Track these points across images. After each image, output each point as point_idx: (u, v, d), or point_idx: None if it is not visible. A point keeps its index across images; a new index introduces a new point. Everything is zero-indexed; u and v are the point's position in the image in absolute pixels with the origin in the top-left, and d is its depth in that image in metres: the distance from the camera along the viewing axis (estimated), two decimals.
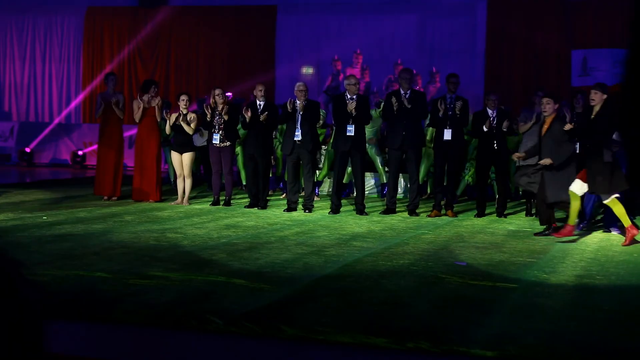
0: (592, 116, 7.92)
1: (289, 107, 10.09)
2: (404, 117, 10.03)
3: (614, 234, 8.69)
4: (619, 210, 7.73)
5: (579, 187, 7.89)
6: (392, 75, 15.23)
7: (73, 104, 19.48)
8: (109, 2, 19.06)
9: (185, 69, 18.64)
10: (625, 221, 7.80)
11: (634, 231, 7.82)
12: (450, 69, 16.26)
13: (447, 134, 10.05)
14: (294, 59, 17.94)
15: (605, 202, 7.84)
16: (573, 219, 7.97)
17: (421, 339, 4.21)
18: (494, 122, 9.97)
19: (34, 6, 19.31)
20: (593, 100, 7.90)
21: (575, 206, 7.93)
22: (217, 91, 10.62)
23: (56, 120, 19.14)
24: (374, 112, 11.57)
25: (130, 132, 15.36)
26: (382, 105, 10.98)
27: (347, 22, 17.66)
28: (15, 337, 1.02)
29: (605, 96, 7.85)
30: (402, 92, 10.19)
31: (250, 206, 10.41)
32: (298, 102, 10.15)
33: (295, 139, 10.07)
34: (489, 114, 10.05)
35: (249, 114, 10.22)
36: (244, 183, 12.12)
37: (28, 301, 1.06)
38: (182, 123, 10.49)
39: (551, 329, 4.50)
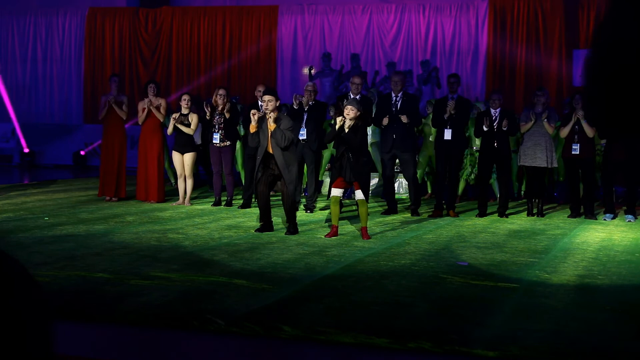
0: None
1: (294, 103, 10.13)
2: (393, 121, 9.98)
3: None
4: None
5: (338, 192, 8.04)
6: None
7: (75, 105, 19.48)
8: (110, 2, 19.07)
9: (186, 69, 18.64)
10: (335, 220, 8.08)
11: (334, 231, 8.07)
12: (451, 69, 16.31)
13: (447, 134, 10.04)
14: (295, 59, 17.95)
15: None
16: (336, 220, 8.10)
17: (423, 339, 4.21)
18: (496, 122, 9.97)
19: (35, 7, 19.33)
20: None
21: (335, 210, 8.06)
22: (221, 91, 10.62)
23: (58, 121, 19.15)
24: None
25: (129, 123, 15.35)
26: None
27: (348, 22, 17.67)
28: (21, 339, 1.02)
29: None
30: (393, 95, 10.13)
31: (243, 207, 10.38)
32: (308, 101, 10.16)
33: (300, 137, 10.05)
34: (492, 113, 10.05)
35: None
36: (243, 184, 12.09)
37: (33, 302, 1.06)
38: (179, 125, 10.47)
39: (553, 329, 4.50)
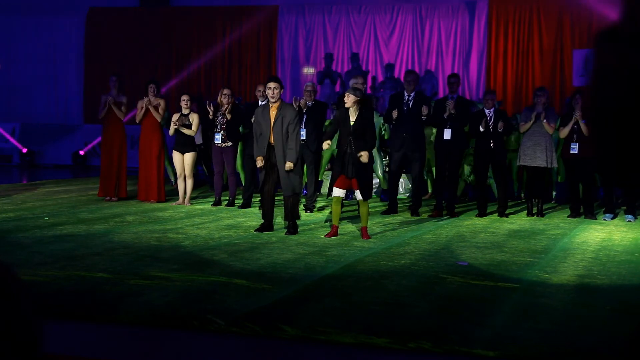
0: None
1: (294, 105, 10.14)
2: (405, 120, 10.01)
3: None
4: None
5: (340, 192, 7.99)
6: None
7: (75, 105, 19.48)
8: (111, 2, 19.07)
9: (186, 69, 18.64)
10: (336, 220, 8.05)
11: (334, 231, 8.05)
12: (450, 69, 16.32)
13: (447, 134, 10.05)
14: (295, 59, 17.96)
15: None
16: (336, 219, 8.07)
17: (423, 339, 4.21)
18: (491, 122, 9.98)
19: (36, 7, 19.32)
20: None
21: (336, 209, 8.03)
22: (226, 91, 10.63)
23: (58, 121, 19.15)
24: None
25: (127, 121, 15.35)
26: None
27: (347, 22, 17.68)
28: (7, 338, 1.01)
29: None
30: (405, 94, 10.16)
31: (243, 206, 10.39)
32: (307, 101, 10.17)
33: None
34: (486, 113, 10.06)
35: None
36: (243, 184, 12.09)
37: (20, 302, 1.05)
38: (181, 129, 10.48)
39: (552, 329, 4.50)
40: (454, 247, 7.59)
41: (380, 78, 16.47)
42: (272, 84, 8.13)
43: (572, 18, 16.17)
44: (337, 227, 8.10)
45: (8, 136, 18.15)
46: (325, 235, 8.02)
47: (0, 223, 8.46)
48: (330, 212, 10.01)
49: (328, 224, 8.84)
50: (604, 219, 9.99)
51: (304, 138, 10.07)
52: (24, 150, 18.00)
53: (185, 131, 10.51)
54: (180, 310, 4.74)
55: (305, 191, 10.65)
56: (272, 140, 8.15)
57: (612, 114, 1.08)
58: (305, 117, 10.14)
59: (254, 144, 8.41)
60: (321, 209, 10.55)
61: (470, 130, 10.34)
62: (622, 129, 1.08)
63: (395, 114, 9.98)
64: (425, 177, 12.38)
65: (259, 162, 8.23)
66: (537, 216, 10.19)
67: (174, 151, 10.79)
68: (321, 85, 15.61)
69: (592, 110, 1.14)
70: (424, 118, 9.97)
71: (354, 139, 7.89)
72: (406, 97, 10.14)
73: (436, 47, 17.13)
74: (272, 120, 8.12)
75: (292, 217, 8.22)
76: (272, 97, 8.10)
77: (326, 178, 12.72)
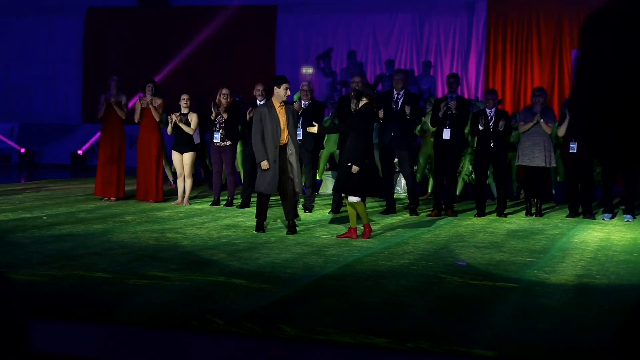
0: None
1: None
2: (393, 118, 9.99)
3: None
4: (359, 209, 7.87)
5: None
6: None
7: (73, 105, 19.47)
8: (110, 2, 19.06)
9: (185, 69, 18.63)
10: (353, 222, 7.93)
11: (354, 234, 7.89)
12: (449, 69, 16.32)
13: (446, 134, 10.04)
14: (294, 59, 17.95)
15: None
16: (353, 221, 7.94)
17: (421, 338, 4.22)
18: (492, 122, 9.98)
19: (35, 7, 19.32)
20: None
21: (352, 210, 7.92)
22: (224, 91, 10.63)
23: (57, 121, 19.14)
24: None
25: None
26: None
27: (347, 21, 17.68)
28: None
29: None
30: (394, 92, 10.14)
31: (242, 206, 10.39)
32: (303, 101, 10.18)
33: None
34: (487, 113, 10.06)
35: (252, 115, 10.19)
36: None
37: (8, 301, 1.05)
38: (180, 124, 10.49)
39: (551, 329, 4.51)
40: (452, 246, 7.59)
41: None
42: (288, 85, 8.23)
43: (571, 18, 16.17)
44: (355, 229, 7.92)
45: (4, 138, 18.15)
46: (337, 236, 7.94)
47: None
48: (329, 212, 10.06)
49: (325, 223, 8.82)
50: (603, 219, 10.00)
51: (301, 138, 10.06)
52: (22, 150, 18.00)
53: (184, 127, 10.51)
54: (179, 310, 4.74)
55: (304, 192, 10.64)
56: (284, 139, 8.15)
57: (602, 110, 1.08)
58: (302, 117, 10.11)
59: (256, 145, 8.17)
60: (322, 209, 10.54)
61: (471, 130, 10.34)
62: (620, 125, 1.08)
63: (381, 113, 9.94)
64: (427, 174, 12.38)
65: (265, 165, 8.03)
66: (536, 216, 10.19)
67: (173, 151, 10.79)
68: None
69: (581, 106, 1.13)
70: (408, 117, 9.98)
71: (351, 133, 7.87)
72: (395, 96, 10.12)
73: (435, 47, 17.14)
74: (286, 118, 8.16)
75: (293, 216, 8.22)
76: (287, 97, 8.18)
77: (325, 178, 12.73)
